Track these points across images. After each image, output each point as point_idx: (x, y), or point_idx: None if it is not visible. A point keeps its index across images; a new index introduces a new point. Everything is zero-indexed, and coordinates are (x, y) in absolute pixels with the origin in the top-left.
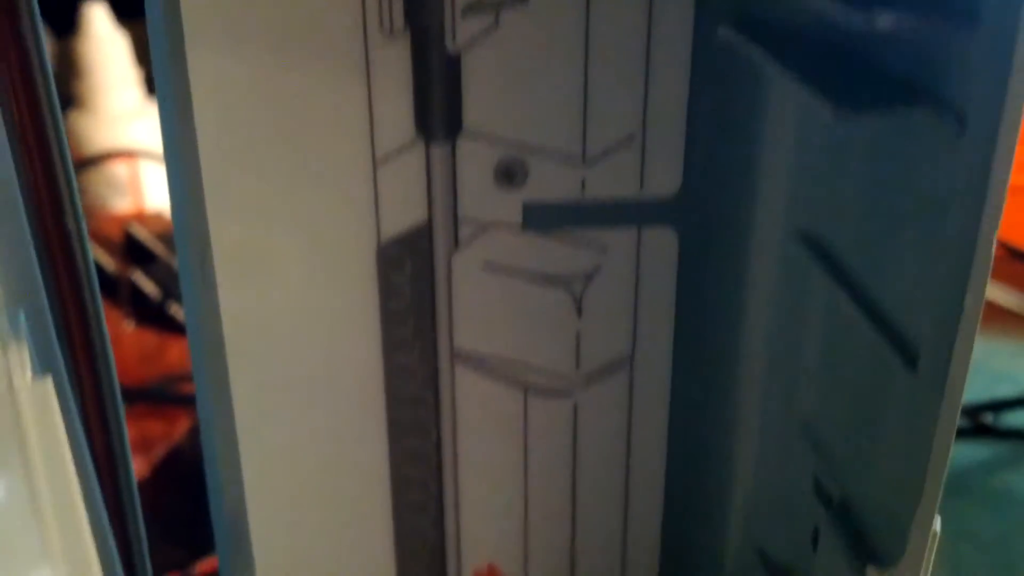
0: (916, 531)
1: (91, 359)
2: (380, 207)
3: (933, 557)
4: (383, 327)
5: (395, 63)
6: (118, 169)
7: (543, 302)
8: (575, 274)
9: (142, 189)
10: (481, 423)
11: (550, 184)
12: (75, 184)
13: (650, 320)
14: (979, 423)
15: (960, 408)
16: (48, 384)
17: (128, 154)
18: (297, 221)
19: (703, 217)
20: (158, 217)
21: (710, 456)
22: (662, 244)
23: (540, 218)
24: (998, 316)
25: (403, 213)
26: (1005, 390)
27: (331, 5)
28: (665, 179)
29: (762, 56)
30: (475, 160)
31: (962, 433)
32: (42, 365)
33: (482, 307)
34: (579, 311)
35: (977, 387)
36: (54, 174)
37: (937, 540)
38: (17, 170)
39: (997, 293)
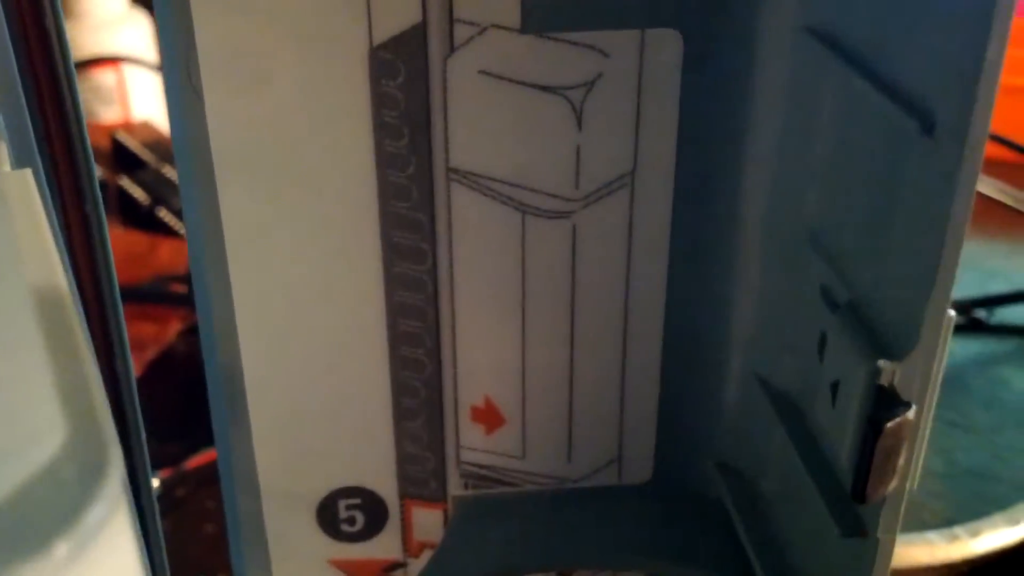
0: (930, 317)
1: (91, 257)
2: (372, 6)
3: (947, 348)
4: (375, 139)
5: None
6: (105, 78)
7: (542, 113)
8: (575, 82)
9: (129, 99)
10: (477, 247)
11: None
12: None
13: (652, 133)
14: (973, 319)
15: (978, 175)
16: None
17: (114, 60)
18: (284, 21)
19: (708, 16)
20: (146, 126)
21: (712, 279)
22: (666, 48)
23: (539, 19)
24: (994, 214)
25: (396, 13)
26: (999, 287)
27: None
28: None
29: None
30: None
31: (956, 329)
32: None
33: (478, 119)
34: (579, 123)
35: (971, 284)
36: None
37: (952, 326)
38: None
39: (993, 189)
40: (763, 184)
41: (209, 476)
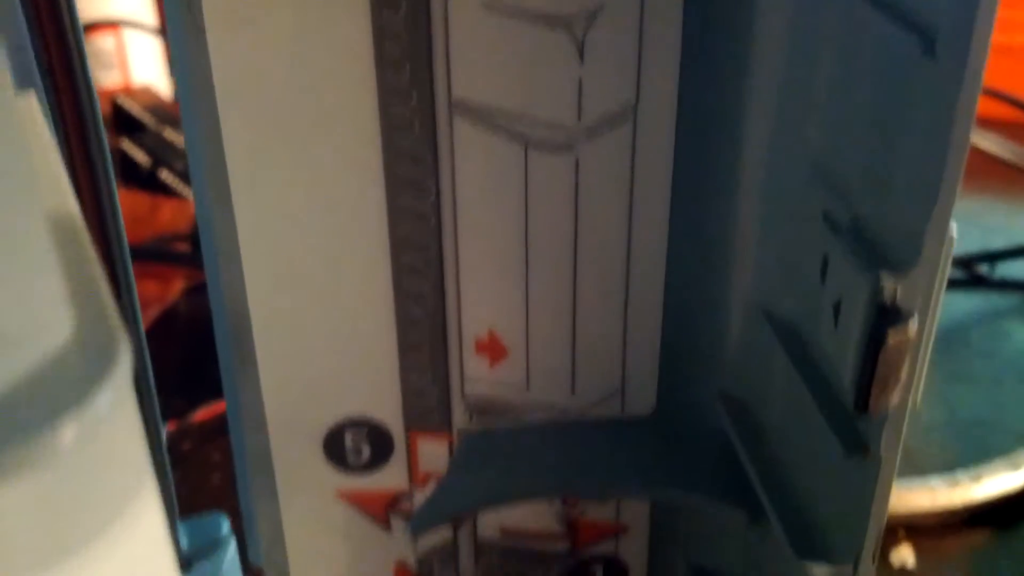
0: (932, 233)
1: (99, 215)
2: None
3: (948, 265)
4: (377, 73)
5: None
6: (104, 42)
7: (543, 45)
8: (577, 13)
9: (128, 63)
10: (480, 181)
11: None
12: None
13: (654, 65)
14: (974, 273)
15: (979, 94)
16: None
17: (113, 24)
18: None
19: None
20: (146, 90)
21: (715, 212)
22: None
23: None
24: (995, 172)
25: None
26: (1000, 243)
27: None
28: None
29: None
30: None
31: (957, 283)
32: None
33: (480, 52)
34: (581, 55)
35: (972, 240)
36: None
37: (953, 246)
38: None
39: (994, 145)
40: (766, 114)
41: (215, 429)
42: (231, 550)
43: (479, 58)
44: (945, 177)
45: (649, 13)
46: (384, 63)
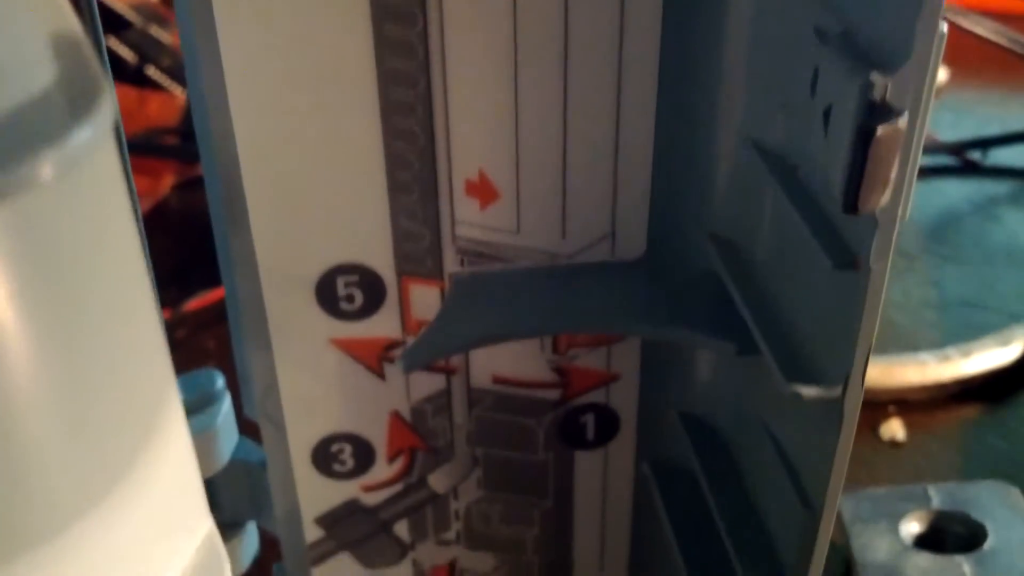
0: (922, 30)
1: None
2: None
3: (940, 61)
4: None
5: None
6: None
7: None
8: None
9: None
10: (468, 10)
11: None
12: None
13: None
14: (967, 160)
15: None
16: None
17: None
18: None
19: None
20: None
21: (704, 40)
22: None
23: None
24: (990, 59)
25: None
26: (993, 131)
27: None
28: None
29: None
30: None
31: (950, 170)
32: None
33: None
34: None
35: (966, 128)
36: None
37: (944, 41)
38: None
39: (989, 30)
40: None
41: (209, 318)
42: (226, 403)
43: None
44: None
45: None
46: None
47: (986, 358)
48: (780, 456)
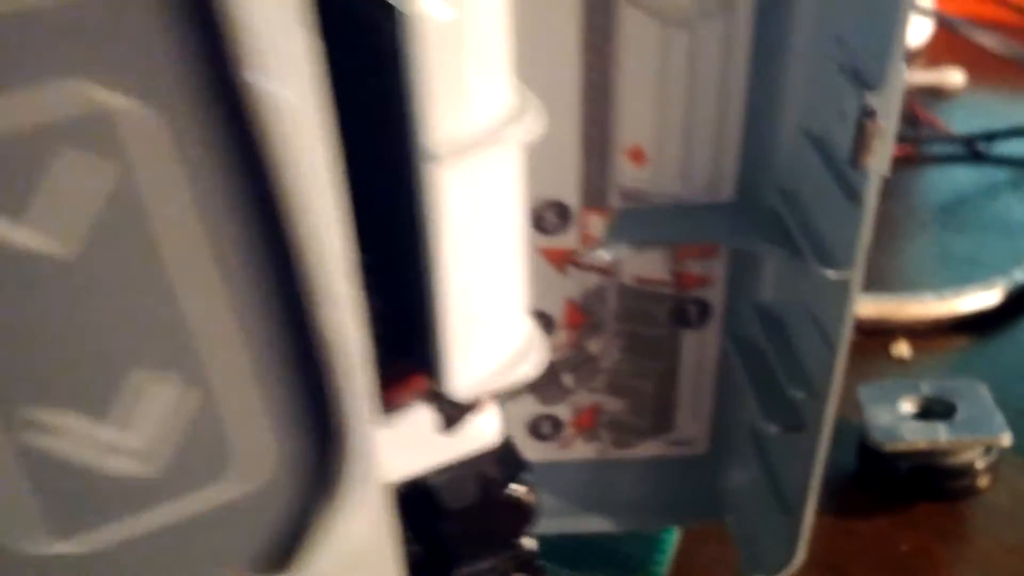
0: (891, 69)
1: None
2: None
3: (903, 87)
4: None
5: None
6: None
7: None
8: None
9: None
10: (639, 56)
11: None
12: None
13: None
14: (974, 150)
15: None
16: None
17: None
18: None
19: None
20: None
21: (778, 66)
22: None
23: None
24: (996, 66)
25: None
26: (999, 126)
27: None
28: None
29: None
30: None
31: (958, 158)
32: None
33: None
34: None
35: (975, 123)
36: None
37: (904, 76)
38: None
39: (994, 42)
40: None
41: None
42: None
43: None
44: (894, 38)
45: None
46: None
47: (974, 299)
48: (815, 323)
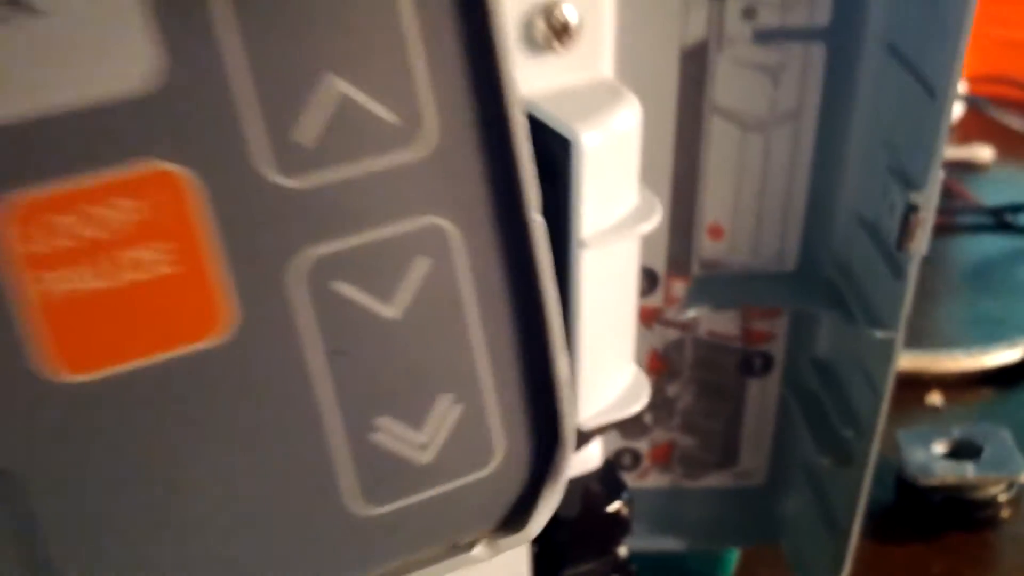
0: (932, 173)
1: None
2: None
3: (939, 187)
4: None
5: None
6: None
7: None
8: None
9: None
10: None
11: None
12: None
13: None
14: (1002, 220)
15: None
16: None
17: None
18: None
19: None
20: None
21: (838, 160)
22: None
23: None
24: (1022, 142)
25: None
26: None
27: None
28: None
29: None
30: None
31: (988, 228)
32: None
33: None
34: None
35: (1003, 196)
36: None
37: (940, 181)
38: None
39: (1020, 124)
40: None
41: None
42: None
43: None
44: (935, 150)
45: None
46: None
47: (1000, 356)
48: (863, 374)
